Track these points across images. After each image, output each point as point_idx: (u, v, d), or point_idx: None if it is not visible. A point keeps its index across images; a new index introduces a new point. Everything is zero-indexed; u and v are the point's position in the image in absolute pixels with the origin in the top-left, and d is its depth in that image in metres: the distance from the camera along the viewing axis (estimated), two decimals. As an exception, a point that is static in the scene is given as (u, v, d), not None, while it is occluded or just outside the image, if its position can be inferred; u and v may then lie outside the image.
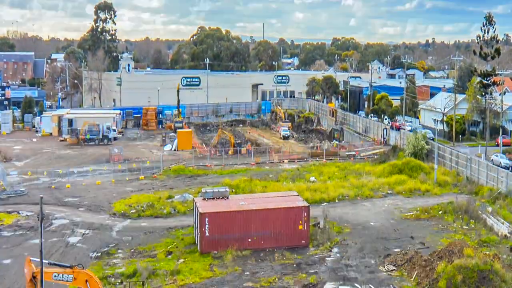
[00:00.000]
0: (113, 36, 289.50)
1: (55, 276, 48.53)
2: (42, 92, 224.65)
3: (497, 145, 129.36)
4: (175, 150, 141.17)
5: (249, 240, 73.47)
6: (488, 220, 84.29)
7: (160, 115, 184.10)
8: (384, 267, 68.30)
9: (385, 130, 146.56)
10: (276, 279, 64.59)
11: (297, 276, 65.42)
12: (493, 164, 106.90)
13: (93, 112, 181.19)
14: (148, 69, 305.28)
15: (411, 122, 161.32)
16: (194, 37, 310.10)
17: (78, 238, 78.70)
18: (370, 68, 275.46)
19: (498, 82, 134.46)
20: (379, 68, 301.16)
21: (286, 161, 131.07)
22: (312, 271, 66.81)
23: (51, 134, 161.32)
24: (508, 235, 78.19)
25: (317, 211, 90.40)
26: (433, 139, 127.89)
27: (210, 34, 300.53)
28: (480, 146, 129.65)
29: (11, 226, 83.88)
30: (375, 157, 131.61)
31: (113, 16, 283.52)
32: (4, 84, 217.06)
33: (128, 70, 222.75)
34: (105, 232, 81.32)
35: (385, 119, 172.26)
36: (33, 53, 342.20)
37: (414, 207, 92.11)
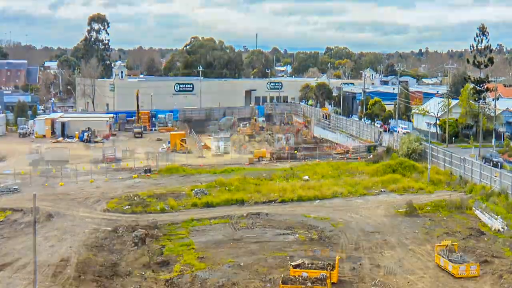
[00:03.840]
0: (106, 45, 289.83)
1: None
2: (36, 98, 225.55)
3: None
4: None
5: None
6: (481, 216, 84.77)
7: (153, 118, 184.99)
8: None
9: (378, 132, 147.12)
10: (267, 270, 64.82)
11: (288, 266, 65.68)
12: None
13: (86, 116, 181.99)
14: (141, 76, 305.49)
15: (406, 126, 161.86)
16: (188, 47, 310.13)
17: (71, 232, 78.56)
18: (363, 75, 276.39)
19: (491, 89, 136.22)
20: (372, 75, 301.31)
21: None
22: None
23: (44, 136, 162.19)
24: (502, 229, 78.73)
25: (311, 208, 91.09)
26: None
27: (204, 43, 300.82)
28: (473, 147, 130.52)
29: (4, 222, 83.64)
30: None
31: (106, 27, 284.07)
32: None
33: (121, 77, 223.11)
34: (98, 227, 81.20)
35: (377, 122, 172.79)
36: (26, 61, 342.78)
37: (407, 204, 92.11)
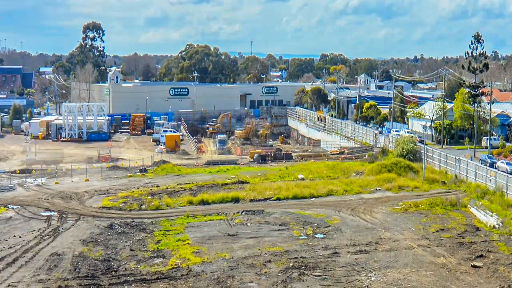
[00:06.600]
0: (101, 52, 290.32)
1: None
2: (31, 101, 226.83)
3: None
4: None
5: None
6: (477, 213, 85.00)
7: (149, 121, 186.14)
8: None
9: (373, 134, 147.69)
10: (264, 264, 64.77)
11: (283, 259, 65.76)
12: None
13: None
14: (137, 80, 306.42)
15: (398, 129, 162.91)
16: (183, 53, 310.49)
17: (66, 228, 78.38)
18: (358, 80, 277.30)
19: (486, 93, 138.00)
20: (367, 80, 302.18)
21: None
22: (300, 256, 66.93)
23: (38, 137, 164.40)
24: (497, 226, 79.02)
25: (306, 205, 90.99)
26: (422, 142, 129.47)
27: (199, 50, 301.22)
28: (468, 149, 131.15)
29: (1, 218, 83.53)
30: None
31: (101, 34, 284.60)
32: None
33: (116, 82, 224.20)
34: (93, 223, 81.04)
35: (373, 125, 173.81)
36: (21, 67, 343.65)
37: (402, 201, 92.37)
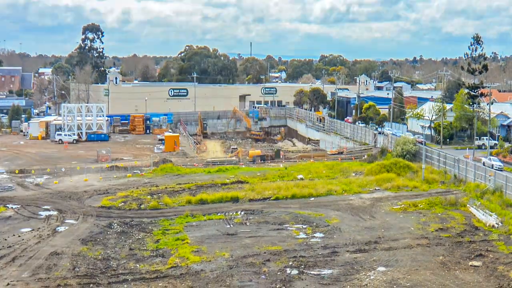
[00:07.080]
0: (101, 53, 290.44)
1: None
2: (30, 102, 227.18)
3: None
4: None
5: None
6: (476, 213, 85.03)
7: (148, 121, 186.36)
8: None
9: (372, 134, 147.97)
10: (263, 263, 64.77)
11: (282, 258, 65.77)
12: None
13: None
14: (136, 81, 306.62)
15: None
16: (182, 54, 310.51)
17: (66, 227, 78.39)
18: (357, 81, 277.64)
19: (485, 94, 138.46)
20: (366, 81, 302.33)
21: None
22: (299, 255, 66.95)
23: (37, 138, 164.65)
24: (496, 225, 79.11)
25: (305, 205, 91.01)
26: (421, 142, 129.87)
27: (198, 51, 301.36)
28: (467, 149, 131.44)
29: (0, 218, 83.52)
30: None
31: (100, 36, 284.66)
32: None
33: (116, 83, 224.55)
34: (92, 223, 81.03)
35: (372, 125, 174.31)
36: (20, 68, 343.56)
37: (401, 201, 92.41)
